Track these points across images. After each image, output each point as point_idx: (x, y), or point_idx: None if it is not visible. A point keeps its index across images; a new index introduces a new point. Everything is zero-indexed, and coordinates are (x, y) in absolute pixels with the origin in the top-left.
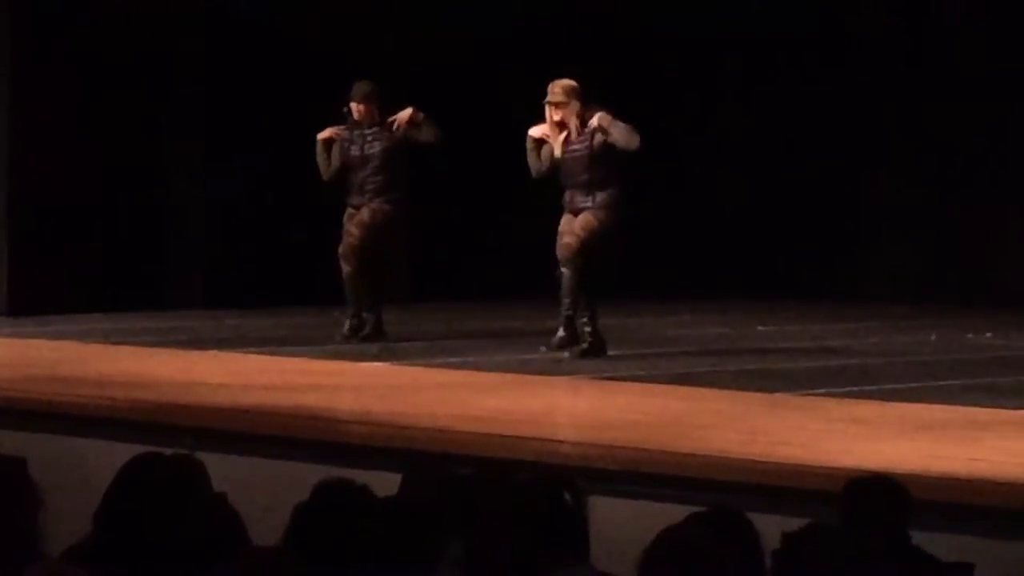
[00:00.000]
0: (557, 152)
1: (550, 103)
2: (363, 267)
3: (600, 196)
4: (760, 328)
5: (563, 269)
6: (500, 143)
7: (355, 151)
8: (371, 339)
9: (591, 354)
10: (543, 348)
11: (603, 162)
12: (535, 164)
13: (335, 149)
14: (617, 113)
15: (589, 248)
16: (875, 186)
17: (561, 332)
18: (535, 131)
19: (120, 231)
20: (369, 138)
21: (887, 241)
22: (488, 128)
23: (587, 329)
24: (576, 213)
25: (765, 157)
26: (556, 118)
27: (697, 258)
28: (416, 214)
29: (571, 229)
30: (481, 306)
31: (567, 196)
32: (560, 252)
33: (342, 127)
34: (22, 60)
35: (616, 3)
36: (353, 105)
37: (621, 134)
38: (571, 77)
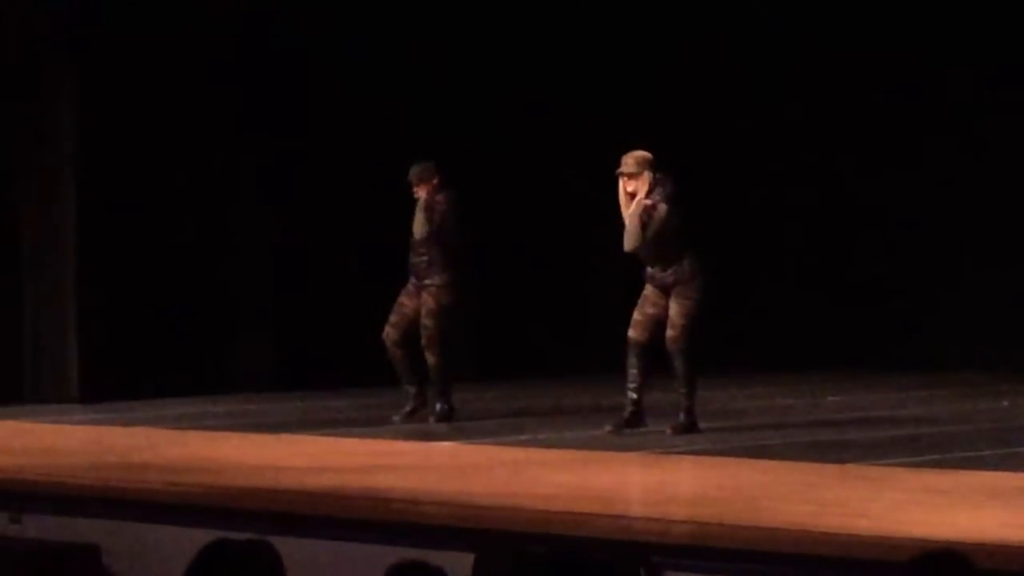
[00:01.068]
0: (627, 224)
1: (622, 174)
2: (444, 352)
3: (683, 267)
4: (831, 398)
5: (677, 360)
6: (567, 217)
7: (413, 228)
8: (442, 419)
9: (691, 429)
10: (667, 431)
11: (671, 233)
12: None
13: None
14: (683, 181)
15: (693, 332)
16: (944, 252)
17: (682, 417)
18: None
19: (188, 315)
20: (420, 216)
21: (957, 307)
22: (556, 203)
23: (686, 404)
24: (663, 288)
25: (832, 225)
26: (629, 189)
27: (766, 329)
28: (482, 290)
29: (670, 319)
30: (548, 382)
31: (649, 270)
32: (668, 346)
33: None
34: (88, 144)
35: (668, 82)
36: (414, 187)
37: (627, 229)
38: (640, 147)
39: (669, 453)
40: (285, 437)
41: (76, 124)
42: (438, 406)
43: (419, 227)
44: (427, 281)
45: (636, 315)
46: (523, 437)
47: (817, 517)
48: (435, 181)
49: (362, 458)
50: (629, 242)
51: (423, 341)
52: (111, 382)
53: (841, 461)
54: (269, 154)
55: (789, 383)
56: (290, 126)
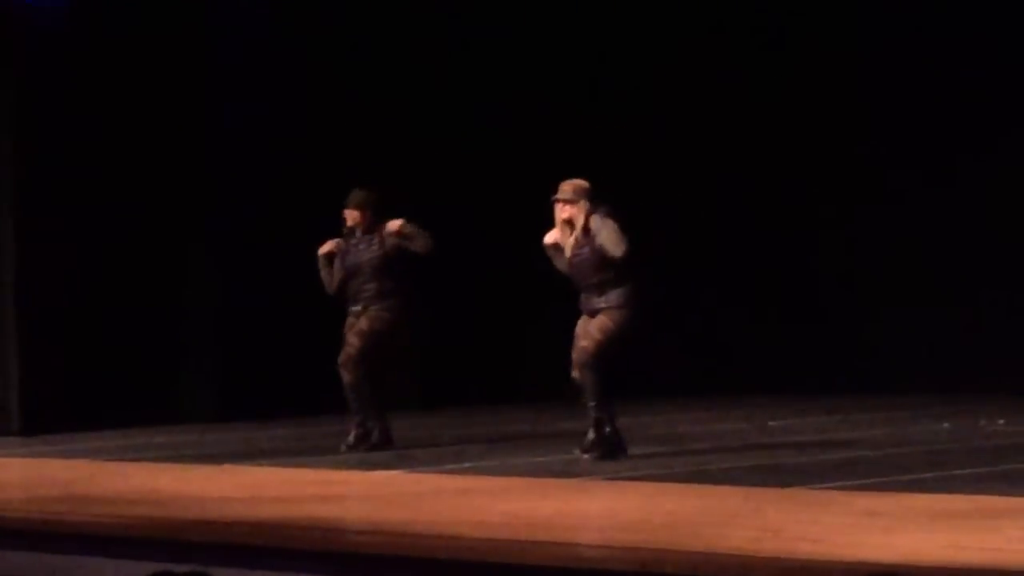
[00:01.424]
0: (567, 252)
1: (558, 200)
2: (364, 376)
3: (613, 295)
4: (772, 423)
5: (585, 372)
6: (511, 245)
7: (351, 259)
8: (379, 447)
9: (611, 456)
10: (576, 451)
11: (612, 262)
12: (561, 267)
13: (336, 261)
14: (628, 215)
15: (606, 350)
16: (882, 276)
17: (591, 434)
18: (548, 238)
19: (130, 346)
20: (362, 246)
21: (896, 331)
22: (499, 231)
23: (606, 430)
24: (592, 314)
25: (771, 251)
26: (564, 216)
27: (706, 353)
28: (426, 318)
29: (587, 332)
30: (492, 410)
31: (582, 297)
32: (577, 356)
33: (342, 238)
34: (27, 171)
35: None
36: (346, 212)
37: (607, 239)
38: (582, 176)
39: (612, 479)
40: (227, 468)
41: (12, 142)
42: (352, 432)
43: (367, 256)
44: (371, 308)
45: (573, 354)
46: (467, 465)
47: (758, 542)
48: (369, 211)
49: (305, 488)
50: (619, 248)
51: (341, 358)
52: (52, 414)
53: (782, 485)
54: (215, 184)
55: (729, 408)
56: (232, 159)
